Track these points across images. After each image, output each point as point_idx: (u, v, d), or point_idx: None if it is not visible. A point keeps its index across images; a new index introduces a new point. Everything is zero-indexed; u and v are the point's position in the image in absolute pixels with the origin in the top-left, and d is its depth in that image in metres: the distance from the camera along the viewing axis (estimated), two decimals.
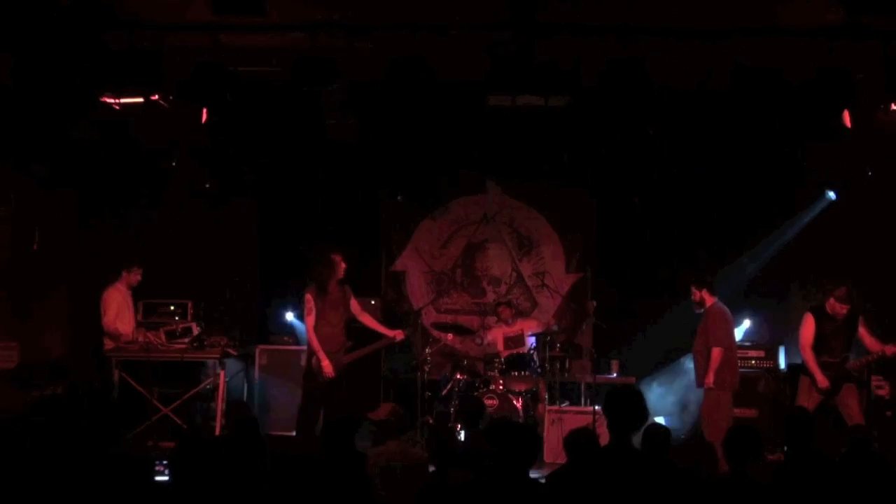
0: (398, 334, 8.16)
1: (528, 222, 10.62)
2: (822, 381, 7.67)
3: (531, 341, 9.44)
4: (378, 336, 8.20)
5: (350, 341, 8.02)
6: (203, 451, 4.73)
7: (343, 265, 7.88)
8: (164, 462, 6.53)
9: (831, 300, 7.78)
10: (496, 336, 9.68)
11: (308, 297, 7.78)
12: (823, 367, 7.71)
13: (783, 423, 5.34)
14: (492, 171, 10.38)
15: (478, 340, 9.77)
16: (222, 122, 8.08)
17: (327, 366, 7.69)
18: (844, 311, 7.72)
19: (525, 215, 10.60)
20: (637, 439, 5.39)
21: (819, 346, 7.79)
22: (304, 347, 8.11)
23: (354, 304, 8.05)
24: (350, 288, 8.05)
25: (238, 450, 4.91)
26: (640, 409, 4.93)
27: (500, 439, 4.65)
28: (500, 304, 10.03)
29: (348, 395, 8.05)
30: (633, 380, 9.30)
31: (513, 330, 9.63)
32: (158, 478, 6.12)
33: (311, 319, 7.76)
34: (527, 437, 4.64)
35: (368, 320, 8.19)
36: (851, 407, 7.68)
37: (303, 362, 8.13)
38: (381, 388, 9.74)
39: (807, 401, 7.72)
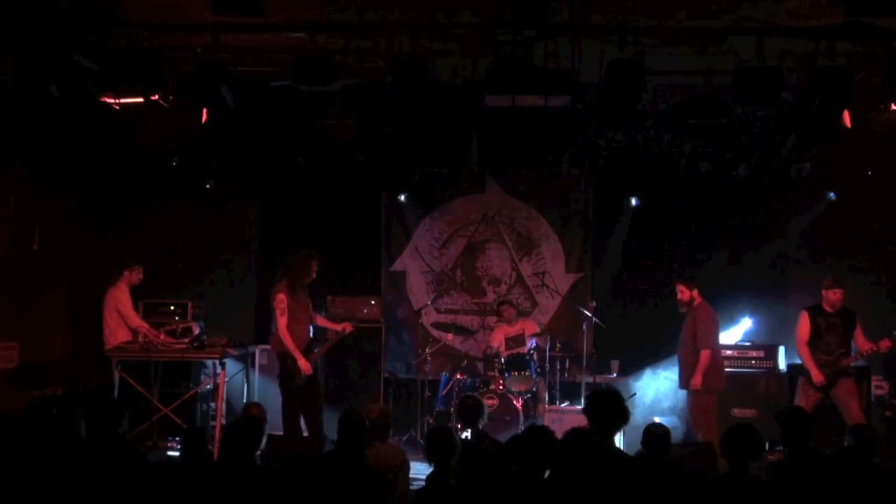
0: (346, 327, 8.38)
1: (528, 222, 10.62)
2: (817, 375, 7.73)
3: (532, 342, 9.44)
4: (329, 332, 8.50)
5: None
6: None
7: (315, 274, 8.02)
8: (177, 438, 6.87)
9: (823, 293, 7.89)
10: (498, 336, 9.68)
11: (282, 297, 7.87)
12: (819, 364, 7.76)
13: (778, 420, 5.36)
14: (492, 170, 10.39)
15: (486, 349, 9.79)
16: (222, 122, 8.08)
17: (304, 364, 7.79)
18: (839, 296, 7.82)
19: (525, 215, 10.60)
20: (637, 439, 5.41)
21: (814, 343, 7.86)
22: None
23: (310, 305, 8.21)
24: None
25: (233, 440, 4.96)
26: (621, 411, 4.98)
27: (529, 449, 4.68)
28: (504, 302, 10.05)
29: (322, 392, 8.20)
30: (626, 380, 9.40)
31: (514, 330, 9.64)
32: (170, 453, 6.60)
33: (284, 320, 7.85)
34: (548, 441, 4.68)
35: (317, 319, 8.40)
36: (851, 407, 7.70)
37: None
38: (381, 388, 9.73)
39: (804, 400, 7.75)
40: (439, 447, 4.99)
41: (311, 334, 8.12)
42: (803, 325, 7.94)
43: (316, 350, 8.21)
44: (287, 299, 7.87)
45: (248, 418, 5.57)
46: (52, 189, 8.91)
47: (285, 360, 7.91)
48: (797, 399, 7.87)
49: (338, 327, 8.39)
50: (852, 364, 7.83)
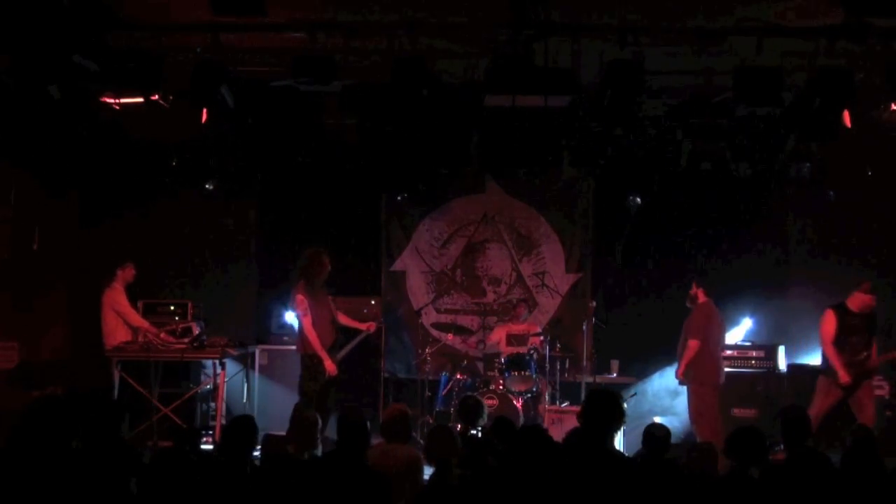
0: (371, 326, 8.35)
1: (528, 222, 10.62)
2: (845, 376, 7.65)
3: (533, 346, 9.43)
4: (354, 331, 8.36)
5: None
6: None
7: (329, 268, 7.98)
8: (210, 432, 6.95)
9: (857, 294, 7.81)
10: (500, 335, 9.69)
11: (301, 297, 7.80)
12: (846, 364, 7.69)
13: (778, 420, 5.36)
14: (492, 170, 10.37)
15: (481, 346, 9.78)
16: (222, 122, 8.08)
17: (330, 365, 7.71)
18: (874, 302, 7.77)
19: (525, 215, 10.60)
20: (637, 439, 5.41)
21: (840, 343, 7.77)
22: None
23: (331, 303, 8.14)
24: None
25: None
26: (619, 412, 4.97)
27: (521, 445, 4.69)
28: (521, 300, 10.07)
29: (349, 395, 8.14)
30: (626, 380, 9.40)
31: (519, 329, 9.65)
32: (204, 446, 6.86)
33: (308, 320, 7.77)
34: (546, 441, 4.69)
35: (342, 318, 8.30)
36: (867, 406, 7.68)
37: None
38: (381, 388, 9.74)
39: (826, 399, 7.70)
40: (439, 447, 4.99)
41: (335, 333, 8.01)
42: (829, 323, 7.81)
43: (340, 350, 8.09)
44: (307, 299, 7.79)
45: (242, 417, 5.54)
46: (51, 189, 8.92)
47: (309, 360, 7.81)
48: (817, 398, 7.78)
49: (364, 326, 8.33)
50: (879, 364, 7.82)
